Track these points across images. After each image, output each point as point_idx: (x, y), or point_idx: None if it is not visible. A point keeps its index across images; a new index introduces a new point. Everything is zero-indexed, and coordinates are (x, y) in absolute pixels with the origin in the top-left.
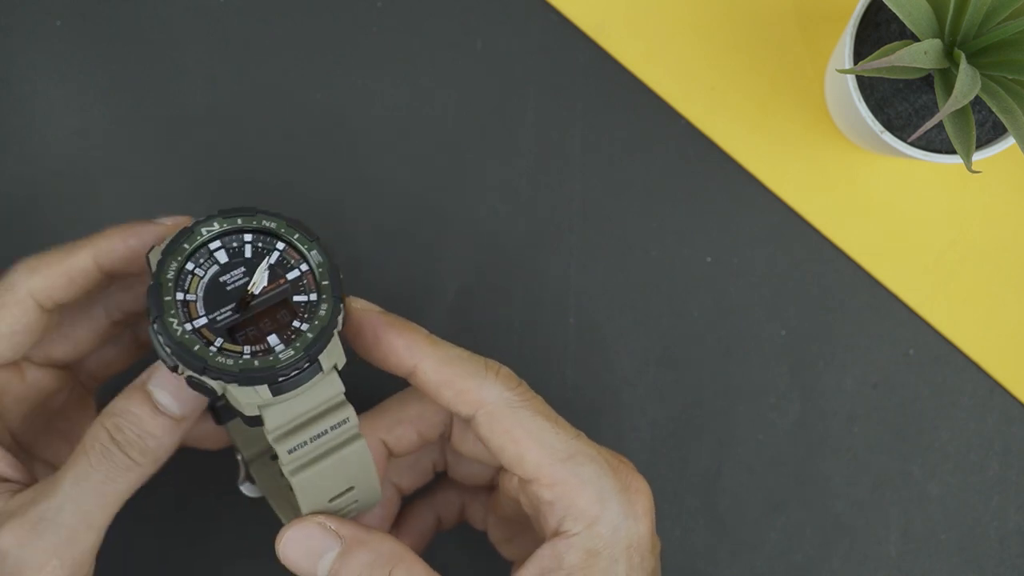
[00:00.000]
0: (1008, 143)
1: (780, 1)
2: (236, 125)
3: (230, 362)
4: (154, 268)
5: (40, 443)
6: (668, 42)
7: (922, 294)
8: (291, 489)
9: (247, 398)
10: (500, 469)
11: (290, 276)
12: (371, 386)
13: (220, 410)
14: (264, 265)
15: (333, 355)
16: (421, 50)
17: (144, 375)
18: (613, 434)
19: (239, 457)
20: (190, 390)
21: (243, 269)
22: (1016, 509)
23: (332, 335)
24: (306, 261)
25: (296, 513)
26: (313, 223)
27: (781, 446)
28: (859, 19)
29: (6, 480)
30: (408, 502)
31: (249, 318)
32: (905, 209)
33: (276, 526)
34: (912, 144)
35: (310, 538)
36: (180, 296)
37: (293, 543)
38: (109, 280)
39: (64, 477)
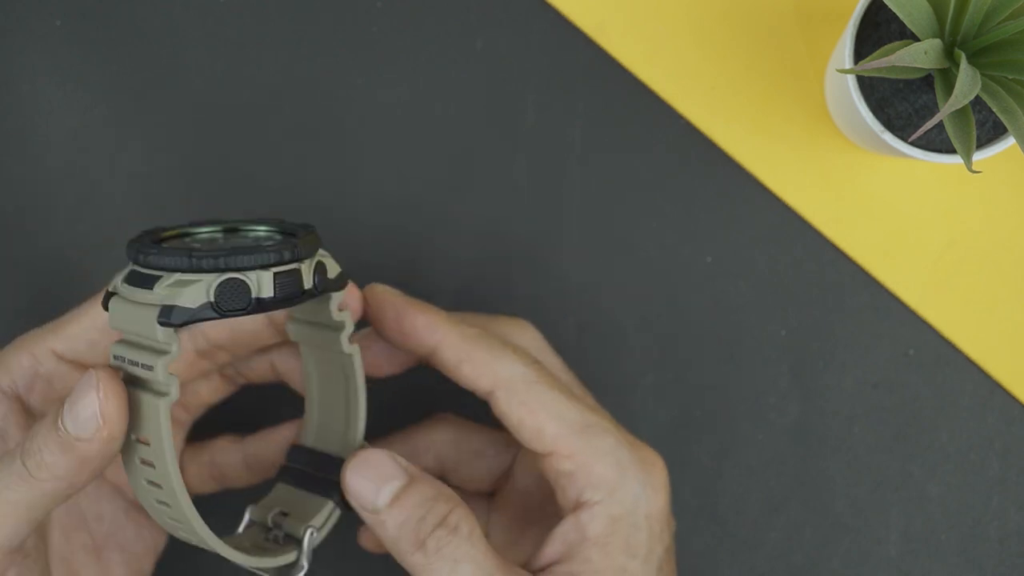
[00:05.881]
0: (1008, 143)
1: (780, 1)
2: (236, 125)
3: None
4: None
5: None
6: (668, 42)
7: (922, 294)
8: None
9: None
10: (516, 458)
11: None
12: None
13: None
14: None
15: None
16: (421, 50)
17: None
18: None
19: None
20: (98, 407)
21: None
22: (1016, 509)
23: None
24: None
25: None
26: (313, 223)
27: (781, 446)
28: (859, 19)
29: None
30: None
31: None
32: (905, 209)
33: None
34: (912, 144)
35: (380, 465)
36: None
37: (363, 468)
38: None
39: None
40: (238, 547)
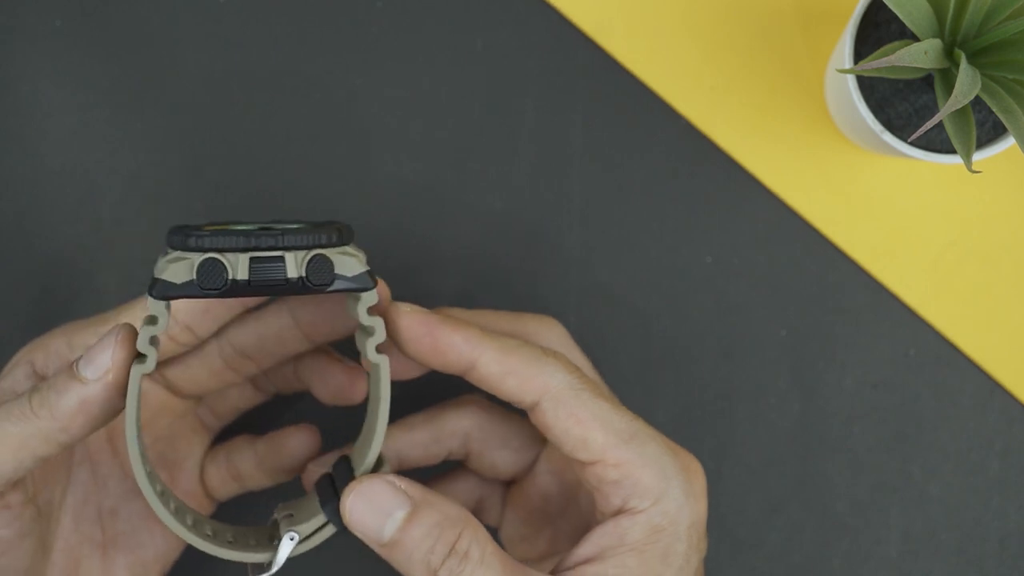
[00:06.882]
0: (1008, 143)
1: (780, 1)
2: (236, 125)
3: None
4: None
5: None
6: (668, 42)
7: (922, 294)
8: None
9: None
10: (540, 455)
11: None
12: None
13: None
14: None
15: None
16: (421, 50)
17: None
18: None
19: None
20: (111, 352)
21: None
22: (1016, 509)
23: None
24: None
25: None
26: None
27: (781, 446)
28: (859, 19)
29: None
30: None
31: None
32: (905, 209)
33: None
34: (912, 144)
35: (380, 496)
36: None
37: (361, 500)
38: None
39: None
40: (239, 538)
